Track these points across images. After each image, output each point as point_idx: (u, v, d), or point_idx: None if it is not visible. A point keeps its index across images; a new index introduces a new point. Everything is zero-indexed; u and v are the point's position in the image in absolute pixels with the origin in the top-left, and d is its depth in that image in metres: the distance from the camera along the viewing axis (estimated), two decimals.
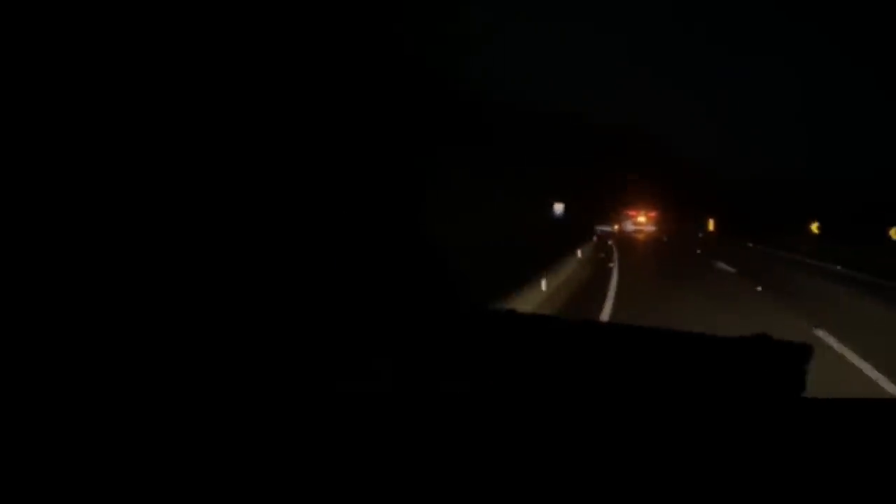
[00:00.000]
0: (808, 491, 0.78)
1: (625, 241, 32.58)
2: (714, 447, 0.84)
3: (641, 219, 53.97)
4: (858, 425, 0.93)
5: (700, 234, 38.16)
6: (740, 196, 43.62)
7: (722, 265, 16.14)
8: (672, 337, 1.45)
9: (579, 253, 15.69)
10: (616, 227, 52.51)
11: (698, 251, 23.06)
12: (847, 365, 5.81)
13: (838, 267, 16.56)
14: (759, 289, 11.18)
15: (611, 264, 16.04)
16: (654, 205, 55.96)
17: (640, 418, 0.90)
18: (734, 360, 1.04)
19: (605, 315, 8.38)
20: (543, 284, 9.54)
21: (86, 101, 2.78)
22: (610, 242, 27.59)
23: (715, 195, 46.43)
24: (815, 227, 30.47)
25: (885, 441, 0.90)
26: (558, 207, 61.80)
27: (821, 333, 7.02)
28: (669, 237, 36.38)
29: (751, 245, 27.32)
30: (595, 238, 28.46)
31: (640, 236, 43.55)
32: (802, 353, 1.01)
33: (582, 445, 0.83)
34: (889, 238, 21.82)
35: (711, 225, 43.19)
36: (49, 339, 1.08)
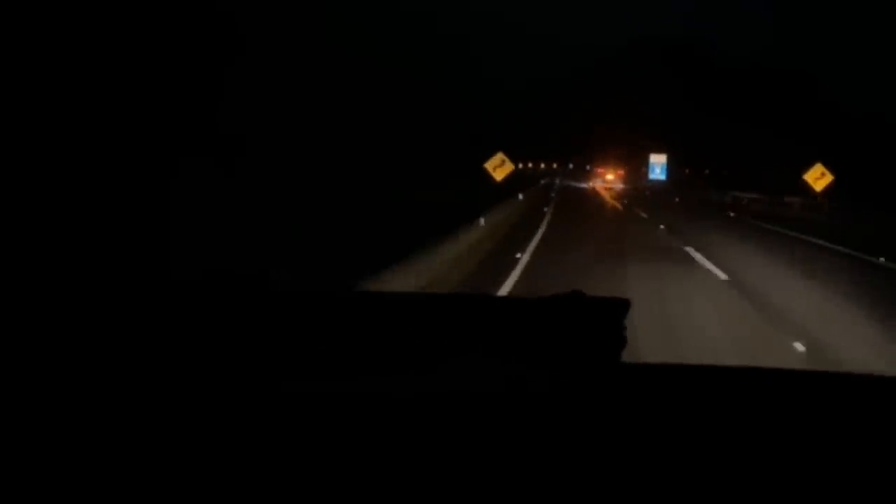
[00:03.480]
0: (620, 458, 0.76)
1: None
2: (531, 415, 0.82)
3: (610, 176, 59.88)
4: (672, 391, 0.92)
5: None
6: None
7: None
8: (481, 302, 1.40)
9: None
10: (591, 184, 55.98)
11: None
12: None
13: None
14: None
15: None
16: (622, 163, 61.77)
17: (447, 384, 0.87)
18: (550, 320, 0.99)
19: None
20: None
21: None
22: None
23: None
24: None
25: (695, 406, 0.88)
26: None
27: None
28: None
29: None
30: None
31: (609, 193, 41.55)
32: (618, 307, 0.97)
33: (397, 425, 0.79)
34: None
35: None
36: None
